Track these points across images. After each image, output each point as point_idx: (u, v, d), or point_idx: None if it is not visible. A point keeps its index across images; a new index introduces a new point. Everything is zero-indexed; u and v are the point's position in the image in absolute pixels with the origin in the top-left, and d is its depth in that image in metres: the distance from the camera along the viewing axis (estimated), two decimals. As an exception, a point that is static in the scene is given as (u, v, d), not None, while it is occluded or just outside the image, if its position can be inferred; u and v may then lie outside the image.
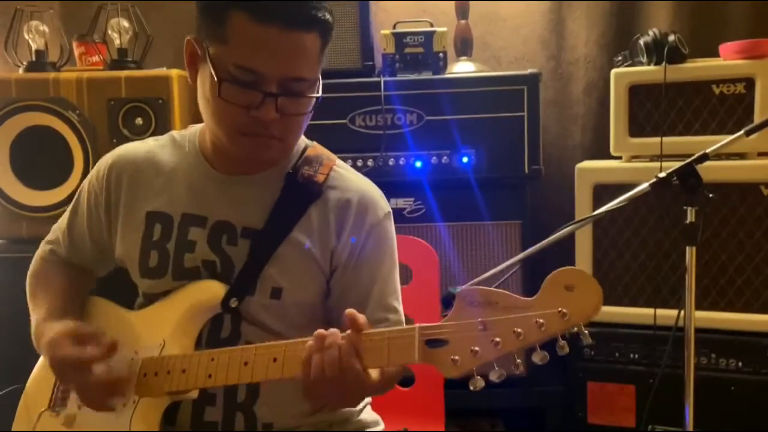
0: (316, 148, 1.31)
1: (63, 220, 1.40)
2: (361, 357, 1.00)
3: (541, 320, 0.88)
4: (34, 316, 1.31)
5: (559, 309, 0.88)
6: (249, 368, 1.09)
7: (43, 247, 1.42)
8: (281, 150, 1.20)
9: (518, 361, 0.90)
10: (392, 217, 1.30)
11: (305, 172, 1.24)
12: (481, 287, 0.93)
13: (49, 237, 1.43)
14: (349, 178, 1.28)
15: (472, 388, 0.92)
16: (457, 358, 0.91)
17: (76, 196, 1.38)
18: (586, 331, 0.90)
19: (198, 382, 1.13)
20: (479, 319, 0.91)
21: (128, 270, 1.31)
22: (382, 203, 1.29)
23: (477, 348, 0.90)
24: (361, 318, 1.02)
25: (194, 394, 1.18)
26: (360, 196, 1.26)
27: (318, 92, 1.17)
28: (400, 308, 1.27)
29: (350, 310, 1.03)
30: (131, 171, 1.29)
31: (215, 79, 1.10)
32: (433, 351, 0.94)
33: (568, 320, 0.88)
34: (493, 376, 0.91)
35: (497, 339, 0.90)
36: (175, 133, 1.35)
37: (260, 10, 1.07)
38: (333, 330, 1.03)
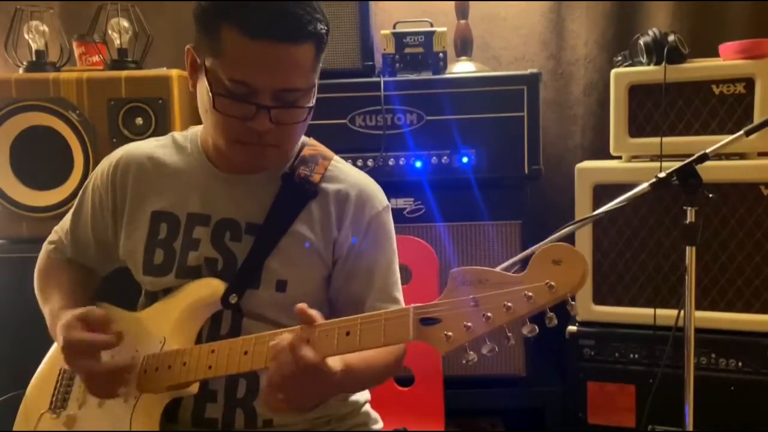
0: (313, 147, 1.32)
1: (65, 222, 1.40)
2: (315, 347, 1.01)
3: (530, 293, 0.91)
4: (47, 307, 1.32)
5: (547, 282, 0.91)
6: (249, 357, 1.10)
7: (46, 246, 1.43)
8: (278, 156, 1.22)
9: (509, 334, 0.93)
10: (390, 210, 1.32)
11: (301, 173, 1.26)
12: (471, 267, 0.96)
13: (51, 238, 1.43)
14: (347, 173, 1.31)
15: (464, 361, 0.95)
16: (450, 334, 0.94)
17: (78, 197, 1.38)
18: (573, 303, 0.93)
19: (199, 373, 1.14)
20: (471, 296, 0.94)
21: (131, 268, 1.32)
22: (380, 197, 1.31)
23: (469, 323, 0.93)
24: (312, 312, 1.03)
25: (194, 388, 1.19)
26: (358, 190, 1.28)
27: (312, 100, 1.18)
28: (402, 299, 1.29)
29: (300, 305, 1.04)
30: (136, 170, 1.30)
31: (210, 92, 1.12)
32: (427, 329, 0.96)
33: (555, 292, 0.91)
34: (485, 350, 0.94)
35: (488, 314, 0.93)
36: (176, 134, 1.36)
37: (251, 26, 1.08)
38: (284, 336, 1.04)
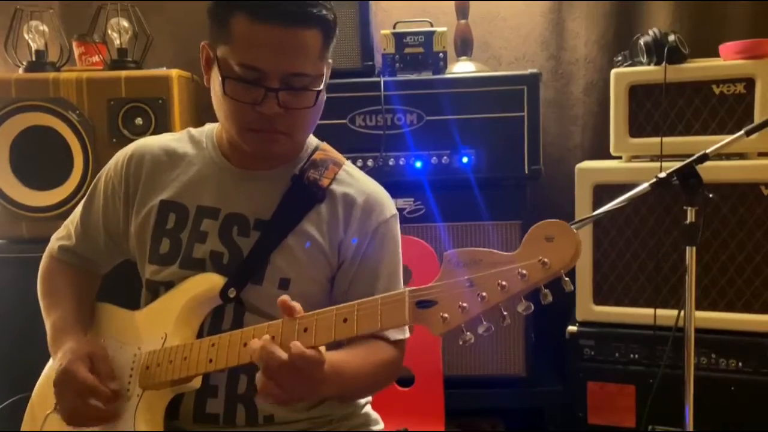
0: (324, 152, 1.34)
1: (76, 213, 1.42)
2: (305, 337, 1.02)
3: (524, 271, 0.92)
4: (49, 319, 1.33)
5: (540, 258, 0.91)
6: (248, 349, 1.09)
7: (52, 244, 1.44)
8: (289, 145, 1.24)
9: (504, 313, 0.94)
10: (398, 219, 1.33)
11: (310, 176, 1.27)
12: (465, 248, 0.97)
13: (60, 233, 1.44)
14: (356, 178, 1.32)
15: (461, 342, 0.95)
16: (446, 315, 0.95)
17: (90, 188, 1.40)
18: (567, 279, 0.92)
19: (200, 367, 1.15)
20: (466, 277, 0.95)
21: (137, 257, 1.33)
22: (389, 204, 1.32)
23: (465, 304, 0.94)
24: (293, 304, 1.05)
25: (197, 383, 1.20)
26: (366, 196, 1.29)
27: (321, 86, 1.20)
28: None
29: (282, 297, 1.05)
30: (150, 161, 1.32)
31: (221, 77, 1.15)
32: (423, 311, 0.97)
33: (549, 268, 0.91)
34: (481, 330, 0.95)
35: (483, 293, 0.93)
36: (192, 129, 1.38)
37: (259, 11, 1.12)
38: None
